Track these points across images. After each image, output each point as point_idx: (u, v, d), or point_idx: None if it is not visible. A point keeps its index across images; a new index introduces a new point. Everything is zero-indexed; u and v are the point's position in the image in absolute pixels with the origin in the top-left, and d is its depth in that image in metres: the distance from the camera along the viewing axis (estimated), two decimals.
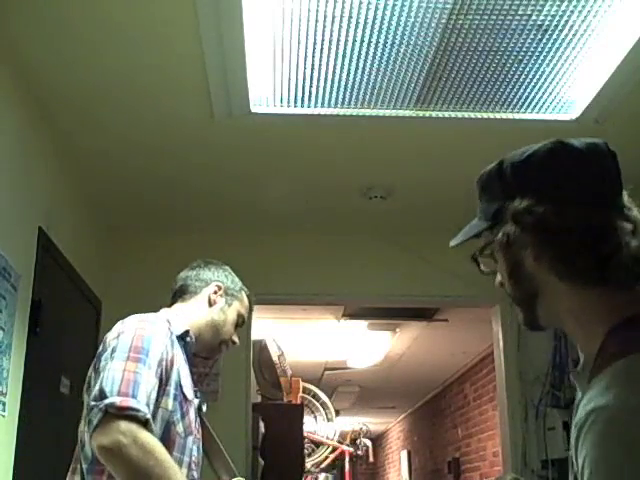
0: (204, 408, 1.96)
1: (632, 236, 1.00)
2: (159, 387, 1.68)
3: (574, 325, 1.04)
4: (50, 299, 3.01)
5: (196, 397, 1.90)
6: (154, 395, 1.65)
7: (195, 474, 1.83)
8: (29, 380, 2.75)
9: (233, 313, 2.03)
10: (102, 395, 1.57)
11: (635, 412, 0.88)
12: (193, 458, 1.81)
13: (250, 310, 2.17)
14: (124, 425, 1.53)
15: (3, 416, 2.55)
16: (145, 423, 1.56)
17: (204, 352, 2.00)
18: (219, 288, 2.02)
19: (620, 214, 1.02)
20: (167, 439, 1.69)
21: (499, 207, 1.09)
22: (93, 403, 1.57)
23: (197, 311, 1.98)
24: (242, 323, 2.10)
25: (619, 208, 1.03)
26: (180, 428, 1.75)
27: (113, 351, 1.67)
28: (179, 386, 1.77)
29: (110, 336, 1.74)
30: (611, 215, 1.01)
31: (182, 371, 1.81)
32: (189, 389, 1.83)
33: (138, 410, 1.56)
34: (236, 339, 2.05)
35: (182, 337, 1.88)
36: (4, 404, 2.55)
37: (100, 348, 1.74)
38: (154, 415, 1.66)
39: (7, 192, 2.65)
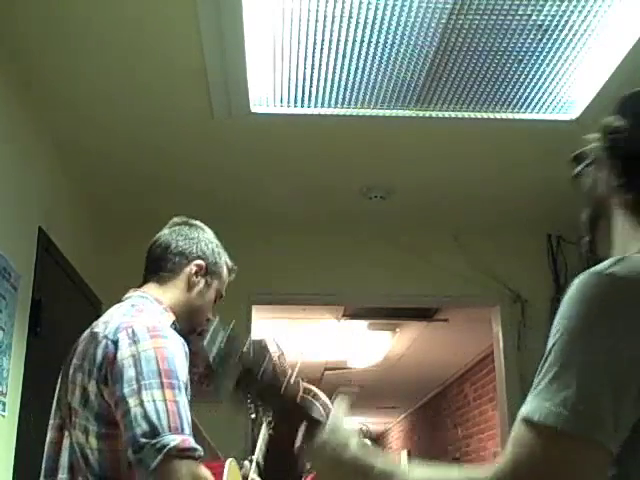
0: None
1: None
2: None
3: (620, 247, 1.07)
4: (50, 299, 3.01)
5: None
6: (190, 420, 1.53)
7: None
8: (29, 380, 2.75)
9: (212, 293, 1.81)
10: (154, 432, 1.44)
11: (607, 278, 0.92)
12: None
13: (230, 276, 1.91)
14: (185, 468, 1.44)
15: (3, 416, 2.55)
16: (199, 459, 1.47)
17: (183, 334, 1.77)
18: (200, 268, 1.78)
19: None
20: None
21: (601, 129, 1.17)
22: (144, 440, 1.43)
23: (176, 297, 1.76)
24: (220, 299, 1.86)
25: None
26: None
27: (139, 375, 1.49)
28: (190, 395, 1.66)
29: (122, 354, 1.52)
30: None
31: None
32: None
33: (196, 449, 1.47)
34: (210, 315, 1.81)
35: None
36: (4, 404, 2.55)
37: (100, 357, 1.55)
38: None
39: (7, 192, 2.65)
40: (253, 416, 1.44)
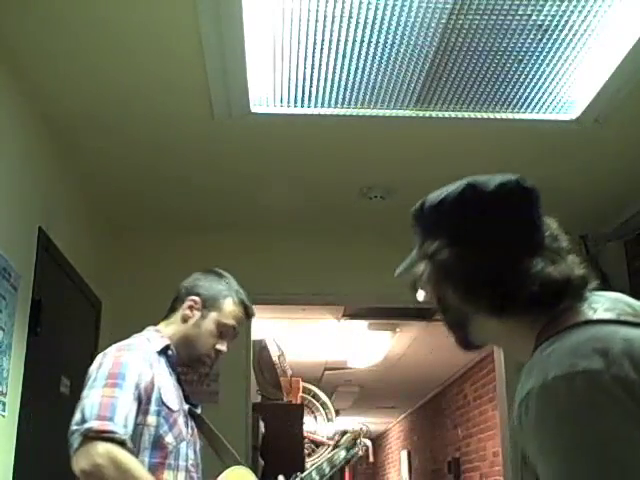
0: (199, 410, 2.07)
1: (551, 265, 1.05)
2: (139, 407, 1.80)
3: (506, 343, 1.13)
4: (50, 299, 3.01)
5: (187, 403, 2.01)
6: (132, 416, 1.77)
7: (195, 475, 1.94)
8: (29, 380, 2.75)
9: (210, 324, 2.04)
10: (82, 420, 1.70)
11: (554, 385, 0.92)
12: (190, 461, 1.92)
13: (248, 313, 2.16)
14: (102, 447, 1.66)
15: (3, 416, 2.55)
16: (122, 443, 1.68)
17: (186, 364, 2.08)
18: (195, 302, 2.06)
19: (534, 251, 1.06)
20: (160, 449, 1.83)
21: (420, 244, 1.17)
22: (74, 427, 1.70)
23: (173, 329, 2.05)
24: (231, 330, 2.10)
25: (534, 245, 1.07)
26: (170, 438, 1.86)
27: (94, 380, 1.80)
28: (161, 402, 1.87)
29: (92, 367, 1.86)
30: (519, 254, 1.06)
31: (165, 386, 1.90)
32: (174, 400, 1.92)
33: (115, 432, 1.68)
34: (222, 347, 2.07)
35: (164, 352, 1.98)
36: (4, 404, 2.55)
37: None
38: (141, 433, 1.81)
39: (7, 192, 2.65)
40: None
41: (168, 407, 1.88)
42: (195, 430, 2.02)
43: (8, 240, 2.63)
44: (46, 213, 3.06)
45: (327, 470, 2.55)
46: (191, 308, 2.05)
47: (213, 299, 2.07)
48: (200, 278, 2.12)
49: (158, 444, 1.83)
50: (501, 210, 1.10)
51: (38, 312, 2.87)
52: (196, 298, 2.06)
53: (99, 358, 1.87)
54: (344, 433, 2.80)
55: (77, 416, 1.72)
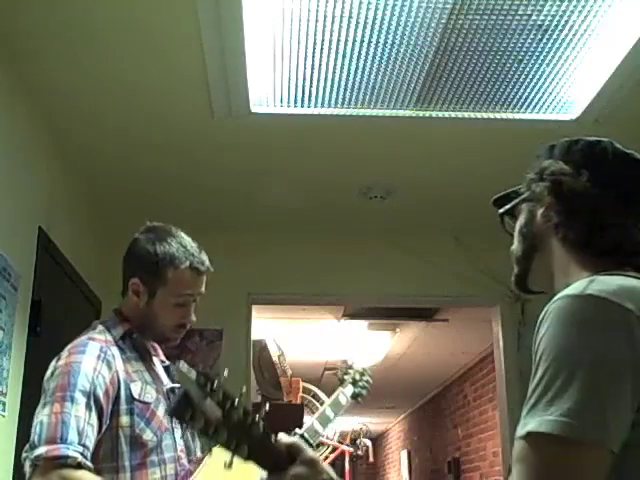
0: (183, 368, 1.88)
1: (625, 226, 1.15)
2: (100, 413, 1.65)
3: (561, 279, 1.17)
4: (50, 299, 3.01)
5: (169, 378, 1.86)
6: (90, 428, 1.62)
7: (185, 461, 1.80)
8: (29, 380, 2.75)
9: (162, 301, 1.82)
10: (32, 446, 1.59)
11: (587, 298, 0.99)
12: (179, 448, 1.79)
13: (199, 272, 1.87)
14: (55, 476, 1.54)
15: (3, 416, 2.55)
16: (77, 466, 1.55)
17: (160, 342, 1.91)
18: (137, 285, 1.83)
19: (634, 214, 1.16)
20: (139, 449, 1.70)
21: (540, 170, 1.23)
22: (24, 454, 1.60)
23: (129, 310, 1.86)
24: (189, 297, 1.85)
25: (636, 210, 1.17)
26: (149, 435, 1.72)
27: (45, 394, 1.66)
28: (131, 398, 1.72)
29: (46, 376, 1.71)
30: (626, 207, 1.16)
31: (133, 378, 1.75)
32: (148, 390, 1.77)
33: (67, 456, 1.55)
34: (186, 320, 1.85)
35: (127, 336, 1.82)
36: (4, 404, 2.55)
37: None
38: (116, 435, 1.67)
39: (7, 192, 2.65)
40: None
41: (141, 401, 1.73)
42: None
43: (8, 240, 2.63)
44: (46, 213, 3.06)
45: (332, 415, 2.23)
46: (136, 292, 1.83)
47: (154, 275, 1.82)
48: (133, 252, 1.87)
49: (136, 444, 1.69)
50: (631, 170, 1.19)
51: (38, 312, 2.87)
52: (136, 280, 1.83)
53: (52, 365, 1.72)
54: (349, 367, 2.38)
55: (29, 441, 1.60)
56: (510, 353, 4.17)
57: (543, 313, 1.03)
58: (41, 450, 1.56)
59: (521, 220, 1.26)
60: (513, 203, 1.29)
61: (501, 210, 1.32)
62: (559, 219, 1.17)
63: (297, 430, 2.04)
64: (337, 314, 5.80)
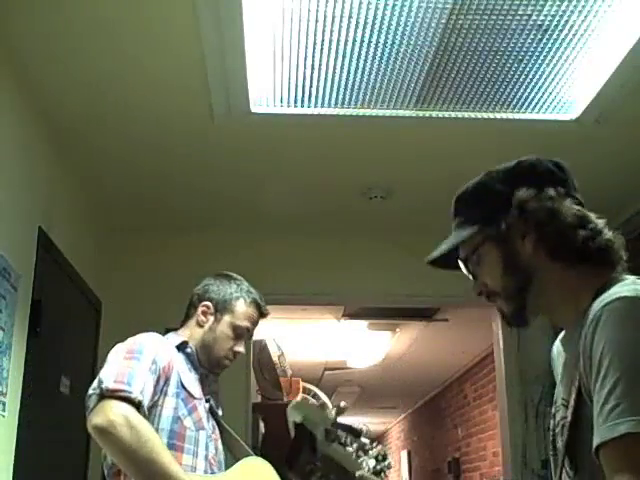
0: (220, 412, 2.10)
1: (604, 226, 1.21)
2: (157, 383, 1.83)
3: (559, 299, 1.19)
4: (50, 299, 3.01)
5: (207, 401, 2.04)
6: (148, 389, 1.79)
7: (215, 469, 1.96)
8: (29, 380, 2.75)
9: (224, 328, 2.09)
10: (99, 383, 1.74)
11: (631, 298, 1.04)
12: (210, 454, 1.94)
13: (261, 312, 2.18)
14: (117, 405, 1.69)
15: (3, 416, 2.55)
16: (138, 405, 1.72)
17: (206, 368, 2.10)
18: (207, 307, 2.11)
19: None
20: (177, 432, 1.85)
21: (496, 204, 1.23)
22: (91, 391, 1.75)
23: (189, 334, 2.10)
24: (246, 331, 2.14)
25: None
26: (189, 422, 1.89)
27: (110, 358, 1.85)
28: (181, 384, 1.91)
29: (109, 352, 1.90)
30: (587, 212, 1.23)
31: (184, 374, 1.95)
32: (196, 389, 1.97)
33: (131, 392, 1.72)
34: (239, 349, 2.11)
35: (182, 348, 2.03)
36: (4, 404, 2.55)
37: None
38: (159, 414, 1.84)
39: (7, 192, 2.65)
40: None
41: (188, 392, 1.92)
42: (217, 429, 2.04)
43: (8, 240, 2.63)
44: (46, 213, 3.06)
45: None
46: (204, 313, 2.10)
47: (225, 302, 2.11)
48: (211, 283, 2.16)
49: (177, 426, 1.86)
50: (569, 175, 1.27)
51: (38, 312, 2.87)
52: (208, 303, 2.11)
53: (115, 346, 1.91)
54: (372, 441, 2.42)
55: (94, 383, 1.76)
56: (510, 353, 4.17)
57: (596, 314, 1.06)
58: (109, 384, 1.72)
59: (495, 258, 1.24)
60: (475, 244, 1.26)
61: (462, 255, 1.30)
62: (553, 242, 1.19)
63: None
64: (337, 314, 5.80)
